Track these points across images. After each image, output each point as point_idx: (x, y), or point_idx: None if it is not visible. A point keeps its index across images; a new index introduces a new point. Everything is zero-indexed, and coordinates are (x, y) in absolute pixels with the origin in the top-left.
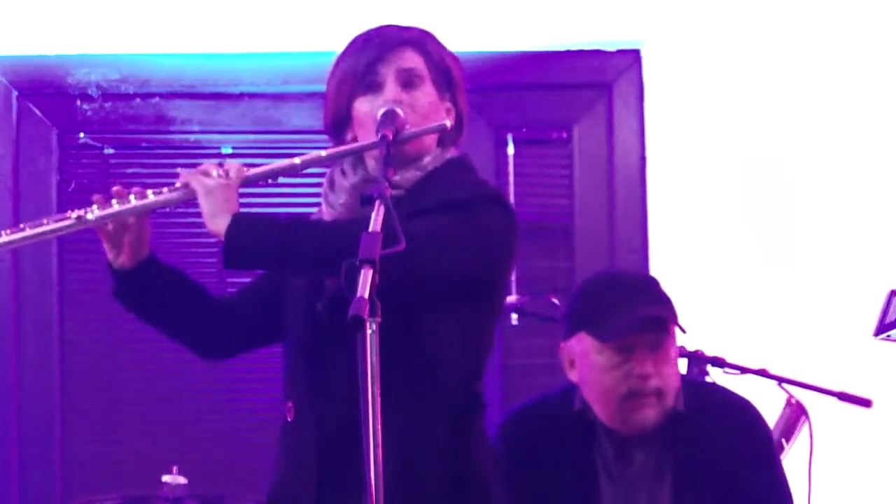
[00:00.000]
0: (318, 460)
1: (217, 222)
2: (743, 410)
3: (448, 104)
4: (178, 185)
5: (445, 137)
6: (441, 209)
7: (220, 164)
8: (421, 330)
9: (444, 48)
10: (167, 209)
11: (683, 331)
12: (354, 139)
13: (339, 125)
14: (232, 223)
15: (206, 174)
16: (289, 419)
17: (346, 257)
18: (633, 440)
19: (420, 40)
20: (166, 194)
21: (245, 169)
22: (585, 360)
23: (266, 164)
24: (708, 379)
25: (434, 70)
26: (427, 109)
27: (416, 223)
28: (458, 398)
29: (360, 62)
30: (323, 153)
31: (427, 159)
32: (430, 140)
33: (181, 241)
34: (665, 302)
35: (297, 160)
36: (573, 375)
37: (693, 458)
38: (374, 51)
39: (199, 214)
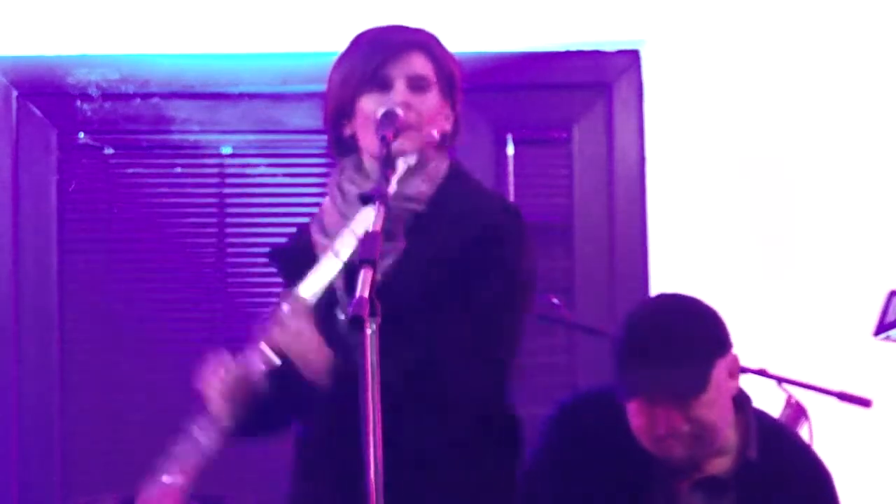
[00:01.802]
0: (339, 476)
1: (314, 368)
2: (820, 472)
3: (448, 109)
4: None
5: (445, 140)
6: (484, 262)
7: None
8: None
9: (448, 52)
10: (165, 207)
11: (735, 373)
12: (353, 135)
13: (339, 119)
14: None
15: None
16: (305, 435)
17: None
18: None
19: (429, 44)
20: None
21: (299, 295)
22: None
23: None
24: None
25: (441, 75)
26: (432, 115)
27: (475, 296)
28: (482, 410)
29: (369, 61)
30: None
31: (431, 165)
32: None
33: (181, 241)
34: (692, 362)
35: (335, 252)
36: None
37: None
38: (384, 51)
39: (198, 214)
